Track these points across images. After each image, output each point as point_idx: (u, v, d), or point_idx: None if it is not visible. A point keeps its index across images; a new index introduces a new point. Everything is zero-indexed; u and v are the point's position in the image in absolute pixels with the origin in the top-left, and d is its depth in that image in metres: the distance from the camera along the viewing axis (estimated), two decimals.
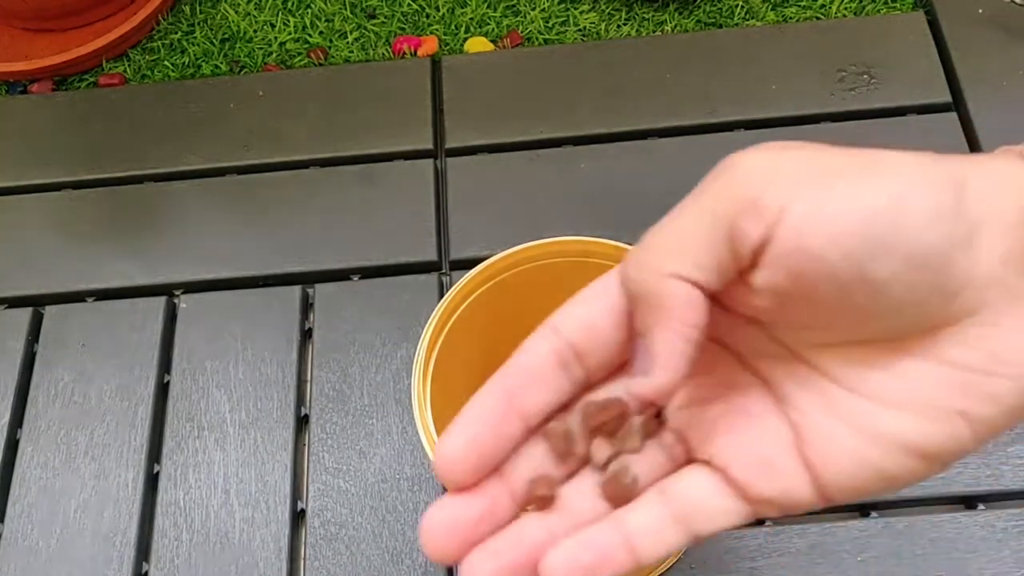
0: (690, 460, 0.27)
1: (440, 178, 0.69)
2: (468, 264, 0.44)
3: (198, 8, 0.81)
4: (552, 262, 0.43)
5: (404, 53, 0.77)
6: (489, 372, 0.37)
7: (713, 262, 0.24)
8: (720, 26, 0.76)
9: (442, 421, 0.42)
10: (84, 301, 0.65)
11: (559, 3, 0.79)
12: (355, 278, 0.65)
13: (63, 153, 0.71)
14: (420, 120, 0.70)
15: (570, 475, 0.26)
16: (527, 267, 0.43)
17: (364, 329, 0.62)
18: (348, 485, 0.57)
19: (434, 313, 0.43)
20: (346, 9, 0.79)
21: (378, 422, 0.59)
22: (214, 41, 0.79)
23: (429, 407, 0.41)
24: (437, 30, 0.78)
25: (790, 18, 0.76)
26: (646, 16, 0.77)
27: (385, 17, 0.79)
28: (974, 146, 0.66)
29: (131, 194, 0.69)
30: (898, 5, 0.76)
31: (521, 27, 0.78)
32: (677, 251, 0.24)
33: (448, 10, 0.79)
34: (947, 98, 0.68)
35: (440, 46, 0.78)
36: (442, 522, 0.24)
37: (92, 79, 0.78)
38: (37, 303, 0.65)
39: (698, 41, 0.73)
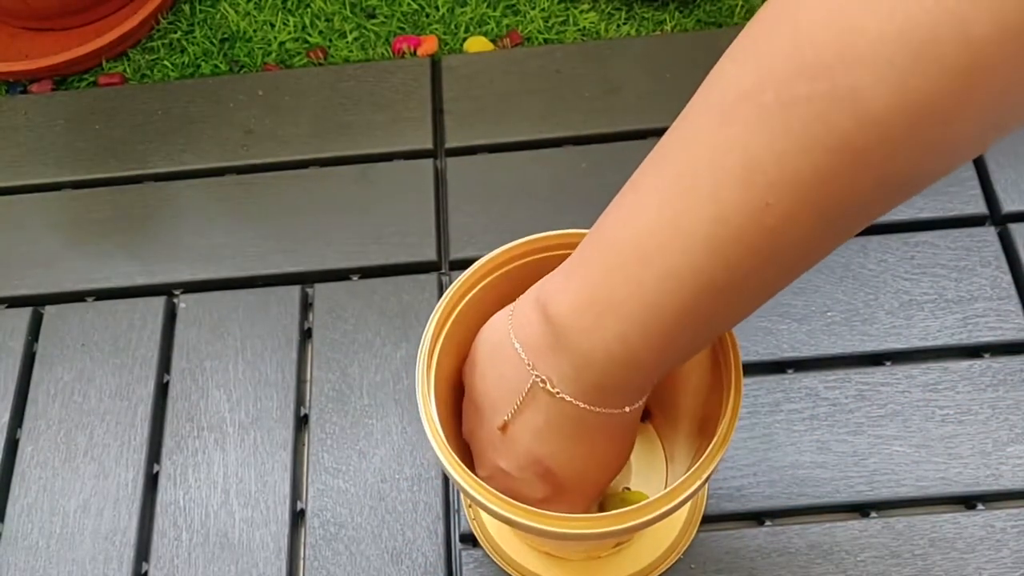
0: None
1: (440, 178, 0.69)
2: (468, 264, 0.44)
3: (198, 7, 0.81)
4: (558, 255, 0.43)
5: (404, 53, 0.77)
6: None
7: None
8: (720, 26, 0.76)
9: (446, 410, 0.42)
10: (84, 301, 0.65)
11: (559, 3, 0.79)
12: (355, 278, 0.65)
13: (63, 153, 0.71)
14: (420, 120, 0.70)
15: None
16: (535, 258, 0.44)
17: (364, 329, 0.62)
18: (348, 485, 0.57)
19: (440, 302, 0.43)
20: (346, 9, 0.79)
21: (378, 422, 0.59)
22: (214, 41, 0.79)
23: (433, 397, 0.41)
24: (437, 30, 0.78)
25: None
26: (646, 16, 0.77)
27: (385, 17, 0.79)
28: None
29: (131, 194, 0.69)
30: None
31: (521, 27, 0.78)
32: None
33: (448, 10, 0.79)
34: None
35: (440, 46, 0.78)
36: None
37: (92, 79, 0.78)
38: (37, 303, 0.65)
39: (698, 41, 0.73)
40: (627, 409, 0.38)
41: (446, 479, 0.57)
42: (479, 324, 0.43)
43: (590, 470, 0.40)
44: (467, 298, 0.43)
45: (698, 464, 0.39)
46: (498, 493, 0.38)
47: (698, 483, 0.39)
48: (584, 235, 0.42)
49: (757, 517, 0.56)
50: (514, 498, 0.41)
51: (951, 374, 0.59)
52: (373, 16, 0.79)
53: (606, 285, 0.34)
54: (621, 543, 0.52)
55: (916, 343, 0.60)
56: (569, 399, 0.37)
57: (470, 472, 0.39)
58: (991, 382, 0.58)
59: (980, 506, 0.55)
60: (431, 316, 0.43)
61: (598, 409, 0.37)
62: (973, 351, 0.60)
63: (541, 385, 0.37)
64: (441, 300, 0.43)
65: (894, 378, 0.59)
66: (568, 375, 0.36)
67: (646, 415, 0.55)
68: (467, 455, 0.44)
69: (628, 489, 0.53)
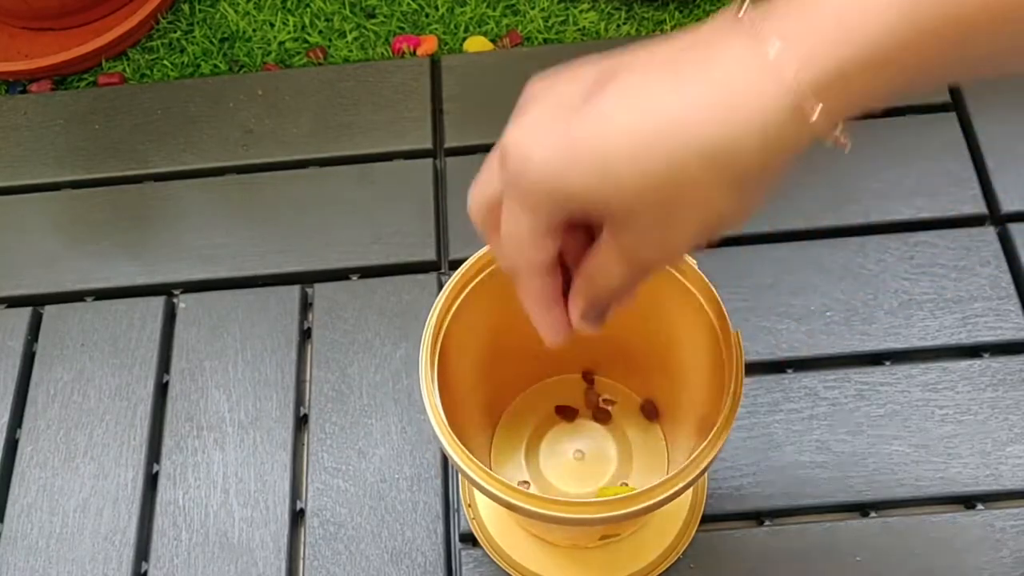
0: None
1: (439, 178, 0.69)
2: None
3: (197, 7, 0.81)
4: None
5: (403, 52, 0.77)
6: (498, 347, 0.37)
7: (544, 244, 0.31)
8: None
9: (448, 392, 0.42)
10: (83, 301, 0.65)
11: (559, 2, 0.79)
12: (354, 278, 0.65)
13: (62, 153, 0.71)
14: (419, 120, 0.70)
15: None
16: None
17: (363, 329, 0.62)
18: (347, 485, 0.57)
19: (445, 287, 0.44)
20: (345, 8, 0.79)
21: (377, 422, 0.59)
22: (213, 40, 0.79)
23: (436, 379, 0.42)
24: (436, 29, 0.78)
25: None
26: (646, 15, 0.77)
27: (384, 16, 0.79)
28: (973, 146, 0.66)
29: (130, 194, 0.69)
30: None
31: (520, 26, 0.78)
32: (518, 252, 0.32)
33: (447, 9, 0.79)
34: (946, 98, 0.68)
35: (439, 45, 0.78)
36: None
37: (91, 78, 0.78)
38: (36, 303, 0.65)
39: None
40: (806, 103, 0.27)
41: (446, 479, 0.57)
42: (482, 312, 0.44)
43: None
44: (471, 285, 0.44)
45: (691, 458, 0.39)
46: (491, 472, 0.39)
47: (688, 481, 0.39)
48: None
49: (757, 517, 0.56)
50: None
51: (950, 374, 0.59)
52: (373, 16, 0.79)
53: None
54: (608, 537, 0.52)
55: (915, 343, 0.60)
56: (765, 38, 0.27)
57: (465, 449, 0.40)
58: (990, 382, 0.58)
59: (980, 506, 0.55)
60: (437, 298, 0.43)
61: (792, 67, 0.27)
62: (972, 351, 0.60)
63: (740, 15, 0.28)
64: (446, 286, 0.44)
65: (893, 378, 0.59)
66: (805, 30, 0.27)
67: (654, 416, 0.55)
68: (464, 437, 0.45)
69: (626, 484, 0.53)
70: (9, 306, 0.65)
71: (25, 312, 0.65)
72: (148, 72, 0.78)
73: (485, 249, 0.44)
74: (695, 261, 0.44)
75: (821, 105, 0.27)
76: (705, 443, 0.39)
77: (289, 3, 0.80)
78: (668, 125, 0.28)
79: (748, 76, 0.27)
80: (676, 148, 0.28)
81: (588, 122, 0.29)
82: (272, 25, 0.79)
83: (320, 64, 0.77)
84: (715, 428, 0.40)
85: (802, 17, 0.27)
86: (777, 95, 0.27)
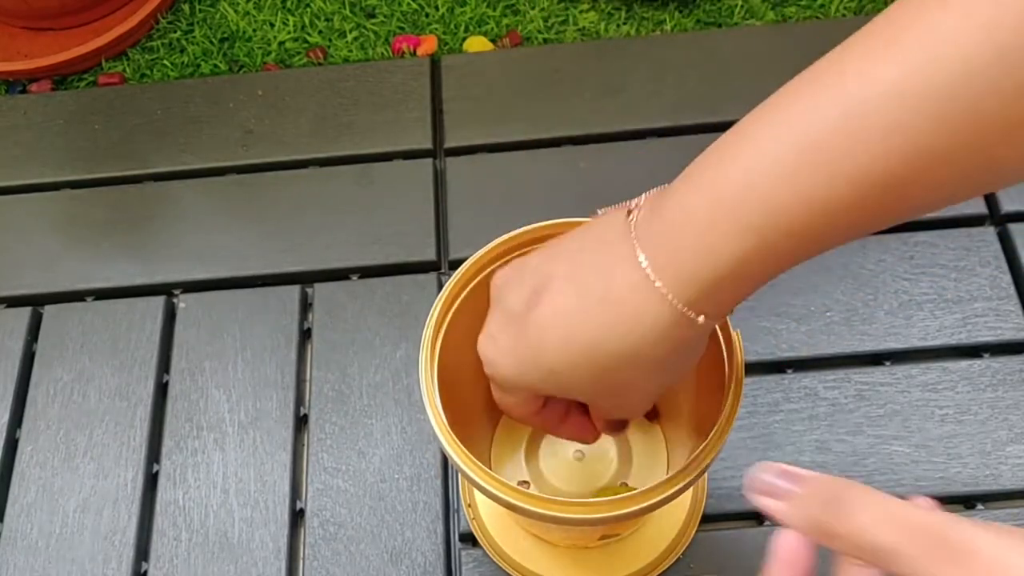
0: None
1: (439, 178, 0.69)
2: None
3: (197, 7, 0.81)
4: None
5: (403, 52, 0.77)
6: None
7: (526, 407, 0.39)
8: (720, 26, 0.76)
9: (448, 392, 0.42)
10: (83, 301, 0.65)
11: (559, 2, 0.79)
12: (354, 278, 0.65)
13: (62, 153, 0.71)
14: (419, 120, 0.70)
15: None
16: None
17: (363, 329, 0.62)
18: (347, 485, 0.57)
19: (446, 286, 0.44)
20: (345, 8, 0.79)
21: (377, 422, 0.59)
22: (213, 40, 0.79)
23: (435, 377, 0.42)
24: (436, 29, 0.78)
25: (790, 18, 0.76)
26: (646, 15, 0.77)
27: (384, 16, 0.79)
28: None
29: (130, 194, 0.69)
30: None
31: (520, 26, 0.78)
32: (510, 412, 0.40)
33: (447, 9, 0.79)
34: None
35: (439, 45, 0.78)
36: None
37: (91, 78, 0.78)
38: (36, 303, 0.65)
39: (698, 41, 0.73)
40: (685, 312, 0.33)
41: (446, 479, 0.57)
42: (482, 311, 0.44)
43: (573, 341, 0.35)
44: (472, 285, 0.44)
45: (691, 458, 0.39)
46: (491, 472, 0.39)
47: (688, 481, 0.39)
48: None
49: (757, 517, 0.56)
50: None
51: (950, 374, 0.59)
52: (373, 16, 0.79)
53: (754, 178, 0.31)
54: (608, 537, 0.52)
55: (915, 343, 0.60)
56: (640, 256, 0.32)
57: (465, 449, 0.40)
58: (990, 382, 0.58)
59: (980, 506, 0.55)
60: (437, 298, 0.43)
61: (660, 284, 0.32)
62: (972, 351, 0.60)
63: (629, 216, 0.34)
64: (446, 286, 0.44)
65: (893, 378, 0.59)
66: (665, 240, 0.32)
67: (654, 416, 0.55)
68: (464, 436, 0.45)
69: (625, 484, 0.53)
70: (9, 306, 0.65)
71: (25, 312, 0.65)
72: (148, 72, 0.78)
73: (485, 249, 0.44)
74: None
75: (702, 317, 0.33)
76: (705, 443, 0.39)
77: (289, 3, 0.80)
78: (587, 347, 0.34)
79: (637, 299, 0.33)
80: (598, 360, 0.35)
81: (531, 339, 0.36)
82: (272, 25, 0.79)
83: (320, 64, 0.77)
84: (715, 428, 0.40)
85: (668, 240, 0.32)
86: (660, 313, 0.33)
